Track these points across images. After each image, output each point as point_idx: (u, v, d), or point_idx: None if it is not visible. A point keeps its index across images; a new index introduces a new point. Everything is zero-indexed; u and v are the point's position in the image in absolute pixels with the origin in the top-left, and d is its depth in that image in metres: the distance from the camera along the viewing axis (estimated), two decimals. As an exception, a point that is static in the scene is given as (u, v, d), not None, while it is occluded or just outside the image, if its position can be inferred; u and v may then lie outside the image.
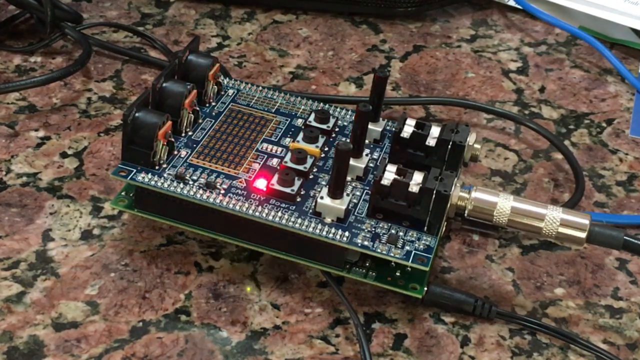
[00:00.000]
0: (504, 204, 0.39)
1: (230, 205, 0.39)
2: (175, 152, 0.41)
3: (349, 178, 0.41)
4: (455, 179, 0.40)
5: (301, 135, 0.43)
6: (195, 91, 0.43)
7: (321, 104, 0.46)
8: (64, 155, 0.47)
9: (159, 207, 0.40)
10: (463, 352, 0.39)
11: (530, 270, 0.43)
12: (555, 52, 0.59)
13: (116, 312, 0.39)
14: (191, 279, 0.41)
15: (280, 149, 0.43)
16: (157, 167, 0.40)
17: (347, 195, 0.39)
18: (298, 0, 0.60)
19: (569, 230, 0.39)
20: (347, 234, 0.38)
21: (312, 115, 0.44)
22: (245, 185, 0.40)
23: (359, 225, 0.39)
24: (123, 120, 0.39)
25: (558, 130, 0.52)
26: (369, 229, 0.39)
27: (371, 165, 0.42)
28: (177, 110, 0.42)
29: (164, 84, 0.42)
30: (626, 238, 0.38)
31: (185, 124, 0.42)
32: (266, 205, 0.39)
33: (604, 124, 0.53)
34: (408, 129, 0.41)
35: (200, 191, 0.39)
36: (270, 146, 0.43)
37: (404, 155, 0.41)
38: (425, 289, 0.40)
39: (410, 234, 0.39)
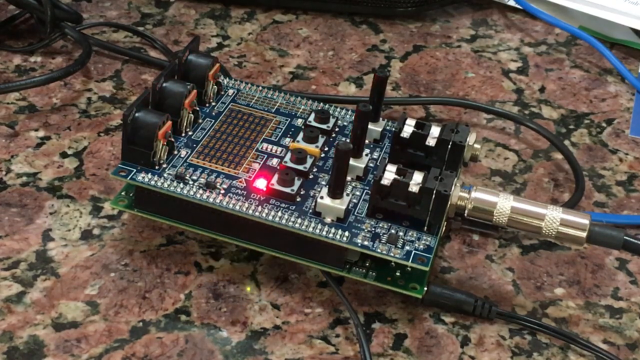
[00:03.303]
0: (504, 204, 0.39)
1: (230, 205, 0.39)
2: (175, 152, 0.41)
3: (349, 178, 0.41)
4: (455, 179, 0.40)
5: (301, 135, 0.43)
6: (195, 91, 0.43)
7: (321, 104, 0.46)
8: (64, 155, 0.47)
9: (159, 207, 0.40)
10: (463, 352, 0.39)
11: (530, 270, 0.43)
12: (555, 52, 0.59)
13: (116, 312, 0.39)
14: (191, 279, 0.41)
15: (280, 149, 0.43)
16: (157, 167, 0.40)
17: (347, 195, 0.39)
18: (298, 0, 0.60)
19: (569, 230, 0.39)
20: (347, 233, 0.38)
21: (312, 115, 0.44)
22: (245, 185, 0.40)
23: (359, 225, 0.39)
24: (123, 120, 0.39)
25: (558, 130, 0.52)
26: (369, 228, 0.39)
27: (371, 165, 0.42)
28: (177, 110, 0.42)
29: (164, 84, 0.42)
30: (626, 238, 0.38)
31: (185, 124, 0.42)
32: (266, 205, 0.39)
33: (604, 124, 0.53)
34: (408, 129, 0.41)
35: (200, 191, 0.39)
36: (270, 146, 0.43)
37: (404, 155, 0.41)
38: (425, 289, 0.40)
39: (410, 233, 0.39)
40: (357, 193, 0.41)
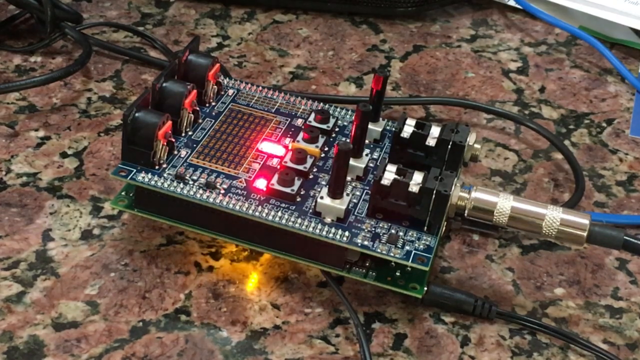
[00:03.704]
0: (504, 204, 0.39)
1: (230, 205, 0.39)
2: (175, 152, 0.41)
3: (349, 178, 0.41)
4: (455, 179, 0.40)
5: (301, 135, 0.43)
6: (195, 91, 0.43)
7: (321, 104, 0.46)
8: (64, 155, 0.47)
9: (159, 207, 0.40)
10: (463, 352, 0.39)
11: (530, 270, 0.43)
12: (555, 52, 0.58)
13: (116, 312, 0.39)
14: (191, 278, 0.41)
15: (280, 148, 0.43)
16: (157, 167, 0.40)
17: (347, 195, 0.39)
18: (298, 0, 0.60)
19: (569, 230, 0.39)
20: (347, 233, 0.38)
21: (312, 115, 0.44)
22: (245, 185, 0.40)
23: (359, 225, 0.39)
24: (123, 120, 0.39)
25: (558, 130, 0.52)
26: (369, 228, 0.39)
27: (371, 165, 0.42)
28: (177, 110, 0.42)
29: (164, 84, 0.42)
30: (626, 238, 0.38)
31: (185, 124, 0.42)
32: (266, 205, 0.39)
33: (604, 124, 0.53)
34: (408, 129, 0.41)
35: (200, 191, 0.39)
36: (270, 146, 0.43)
37: (404, 155, 0.41)
38: (425, 288, 0.40)
39: (410, 233, 0.39)
40: (357, 193, 0.41)
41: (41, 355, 0.37)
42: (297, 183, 0.40)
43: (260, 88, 0.47)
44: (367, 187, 0.41)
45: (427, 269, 0.38)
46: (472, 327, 0.40)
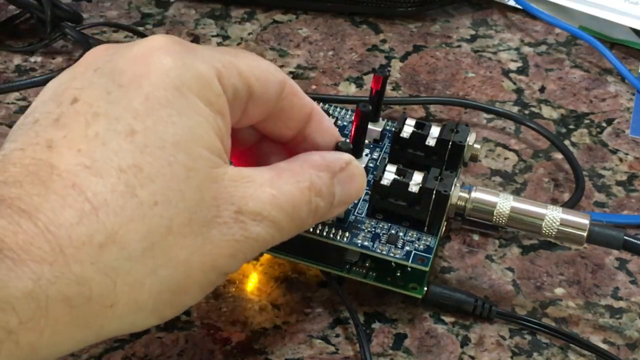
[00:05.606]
0: (504, 204, 0.39)
1: (230, 205, 0.39)
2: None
3: (349, 178, 0.41)
4: (455, 179, 0.40)
5: (301, 135, 0.43)
6: (195, 91, 0.43)
7: (321, 104, 0.46)
8: (64, 155, 0.47)
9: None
10: (463, 352, 0.39)
11: (530, 270, 0.43)
12: (555, 52, 0.58)
13: (116, 312, 0.39)
14: (191, 279, 0.41)
15: (280, 149, 0.43)
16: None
17: (347, 195, 0.39)
18: (298, 0, 0.60)
19: (569, 230, 0.39)
20: (347, 234, 0.38)
21: (312, 115, 0.44)
22: (245, 185, 0.40)
23: (359, 225, 0.39)
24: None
25: (558, 130, 0.52)
26: (369, 229, 0.39)
27: (371, 165, 0.42)
28: (177, 110, 0.42)
29: (164, 84, 0.42)
30: (626, 238, 0.38)
31: (185, 124, 0.42)
32: (266, 205, 0.39)
33: (604, 124, 0.53)
34: (408, 129, 0.41)
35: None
36: (270, 146, 0.43)
37: (403, 155, 0.41)
38: (425, 289, 0.40)
39: (410, 234, 0.39)
40: (357, 193, 0.41)
41: (41, 355, 0.37)
42: (297, 183, 0.40)
43: (260, 88, 0.47)
44: (367, 187, 0.41)
45: (427, 269, 0.38)
46: (472, 327, 0.40)
